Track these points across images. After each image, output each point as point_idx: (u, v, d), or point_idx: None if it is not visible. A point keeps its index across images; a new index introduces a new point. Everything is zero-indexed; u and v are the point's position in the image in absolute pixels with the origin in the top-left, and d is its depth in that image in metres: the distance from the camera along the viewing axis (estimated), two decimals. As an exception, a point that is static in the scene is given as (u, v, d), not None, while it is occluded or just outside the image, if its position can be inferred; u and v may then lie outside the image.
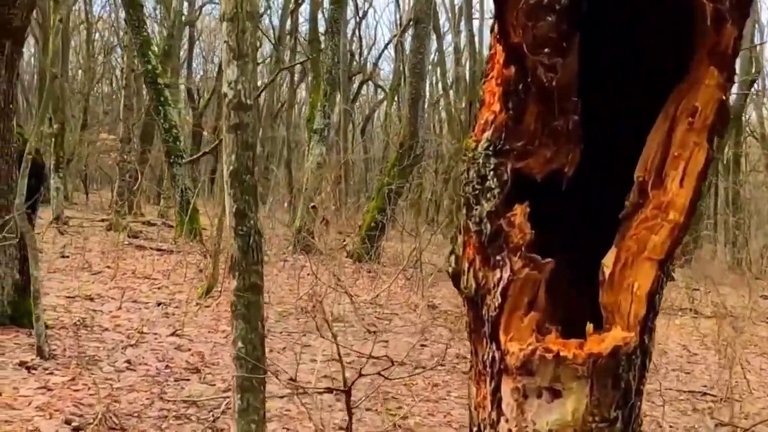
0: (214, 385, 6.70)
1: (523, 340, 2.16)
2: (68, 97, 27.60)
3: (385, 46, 42.32)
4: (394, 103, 38.27)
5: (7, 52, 7.07)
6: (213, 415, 6.04)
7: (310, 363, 7.85)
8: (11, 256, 7.36)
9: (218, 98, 37.86)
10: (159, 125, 17.94)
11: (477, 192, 2.26)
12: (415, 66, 17.72)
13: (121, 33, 23.79)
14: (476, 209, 2.26)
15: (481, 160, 2.27)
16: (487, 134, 2.28)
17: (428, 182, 30.73)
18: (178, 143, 17.85)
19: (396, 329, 10.35)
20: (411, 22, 34.30)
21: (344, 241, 17.60)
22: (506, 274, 2.20)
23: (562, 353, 2.12)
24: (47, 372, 6.34)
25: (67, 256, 13.71)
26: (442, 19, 34.96)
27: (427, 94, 31.09)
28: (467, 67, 33.35)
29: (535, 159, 2.22)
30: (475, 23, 32.19)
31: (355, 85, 37.83)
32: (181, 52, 39.15)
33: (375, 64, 41.65)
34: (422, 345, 9.50)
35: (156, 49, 18.35)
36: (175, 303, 10.16)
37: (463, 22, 32.45)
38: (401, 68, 37.85)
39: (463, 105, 32.03)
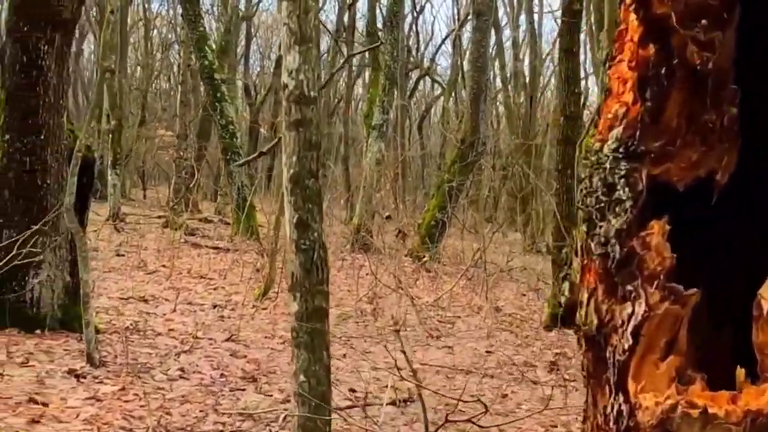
0: (271, 395, 6.31)
1: (660, 391, 1.71)
2: (126, 94, 27.57)
3: (443, 41, 41.71)
4: (452, 99, 37.75)
5: (57, 44, 6.78)
6: (270, 430, 5.68)
7: (371, 372, 7.46)
8: (62, 257, 7.08)
9: (275, 94, 37.74)
10: (215, 121, 17.68)
11: (602, 205, 1.79)
12: (477, 60, 17.20)
13: (179, 29, 23.64)
14: (601, 226, 1.79)
15: (608, 165, 1.78)
16: (616, 132, 1.79)
17: (486, 179, 30.18)
18: (234, 140, 17.59)
19: (459, 334, 9.90)
20: (470, 16, 33.76)
21: (402, 239, 17.15)
22: (640, 309, 1.73)
23: (710, 409, 1.66)
24: (97, 381, 6.02)
25: (123, 255, 13.49)
26: (501, 12, 34.29)
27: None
28: (526, 62, 32.75)
29: (677, 163, 1.75)
30: (535, 17, 31.47)
31: (412, 81, 37.35)
32: (238, 49, 39.06)
33: (432, 59, 41.09)
34: (488, 351, 9.04)
35: (213, 44, 18.08)
36: (231, 305, 9.83)
37: (522, 15, 31.80)
38: (459, 63, 37.33)
39: (522, 100, 31.43)
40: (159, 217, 22.42)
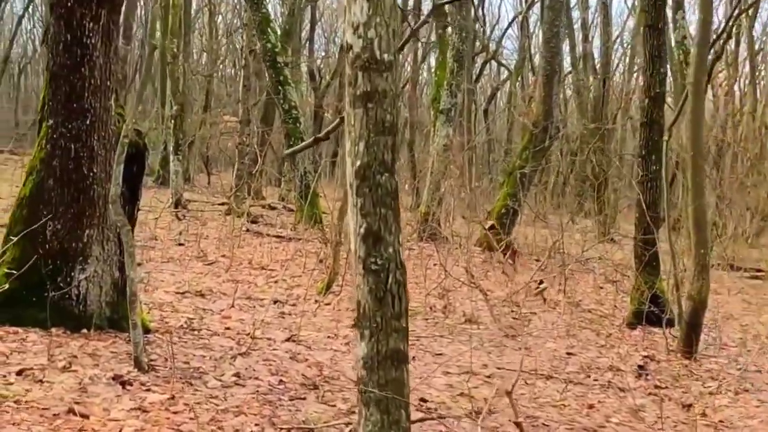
0: (334, 405, 5.73)
1: None
2: (189, 79, 27.26)
3: (510, 24, 40.75)
4: (518, 83, 36.89)
5: (103, 21, 6.26)
6: (333, 446, 5.11)
7: (443, 377, 6.85)
8: (110, 251, 6.57)
9: (340, 78, 37.27)
10: (278, 106, 17.17)
11: None
12: (550, 40, 16.39)
13: (243, 13, 23.15)
14: None
15: None
16: None
17: (554, 164, 29.30)
18: (298, 125, 17.04)
19: (536, 332, 9.22)
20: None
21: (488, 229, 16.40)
22: None
23: None
24: (144, 388, 5.49)
25: (183, 244, 13.07)
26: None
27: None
28: (596, 44, 31.76)
29: None
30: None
31: (478, 65, 36.49)
32: (303, 33, 38.62)
33: (498, 43, 40.14)
34: (568, 353, 8.36)
35: (276, 27, 17.53)
36: (292, 300, 9.30)
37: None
38: (526, 45, 36.39)
39: (590, 81, 30.43)
40: (222, 203, 22.06)
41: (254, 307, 8.63)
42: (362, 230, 2.95)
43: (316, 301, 9.18)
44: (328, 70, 42.14)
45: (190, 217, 17.41)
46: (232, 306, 8.43)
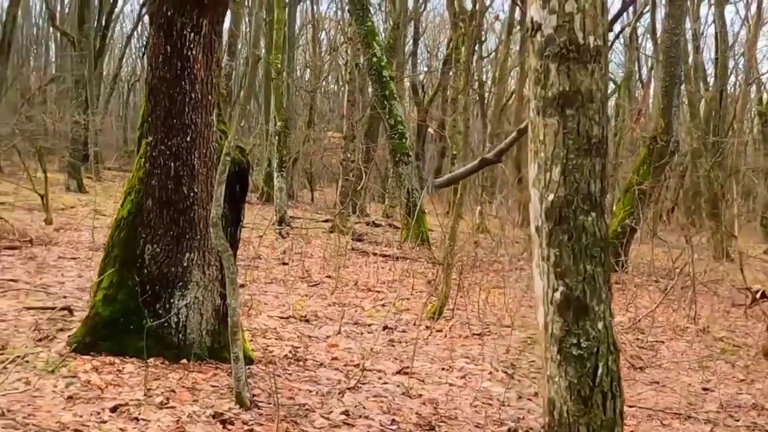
0: (453, 450, 5.18)
1: None
2: (293, 95, 27.16)
3: (617, 36, 39.46)
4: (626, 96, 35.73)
5: (204, 32, 5.86)
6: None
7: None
8: (211, 276, 6.16)
9: (443, 92, 36.77)
10: (384, 120, 16.74)
11: None
12: (670, 49, 15.51)
13: (347, 28, 22.81)
14: None
15: None
16: None
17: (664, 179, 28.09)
18: (404, 140, 16.58)
19: (666, 364, 8.45)
20: (647, 8, 31.70)
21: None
22: None
23: None
24: (246, 428, 5.03)
25: (287, 263, 12.70)
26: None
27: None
28: (707, 55, 30.51)
29: None
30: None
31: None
32: (406, 48, 38.32)
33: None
34: (705, 388, 7.58)
35: (380, 40, 17.13)
36: (402, 325, 8.76)
37: (708, 8, 29.58)
38: (633, 58, 35.23)
39: (704, 93, 29.16)
40: (327, 220, 21.77)
41: (362, 333, 8.13)
42: (557, 296, 2.20)
43: (427, 327, 8.62)
44: (431, 84, 41.74)
45: (294, 235, 17.11)
46: (339, 332, 7.95)
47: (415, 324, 8.74)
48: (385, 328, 8.38)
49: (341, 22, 41.09)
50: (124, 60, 52.36)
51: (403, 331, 8.40)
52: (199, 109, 5.94)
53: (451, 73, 33.47)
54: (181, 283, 6.05)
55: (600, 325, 2.18)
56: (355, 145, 20.30)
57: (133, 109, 60.22)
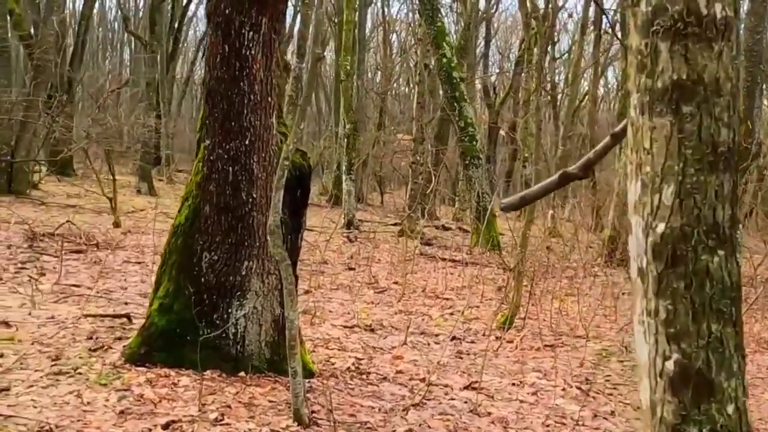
0: (524, 475, 4.82)
1: None
2: (363, 98, 26.98)
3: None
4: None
5: (263, 30, 5.61)
6: None
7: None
8: (270, 285, 5.91)
9: (515, 95, 36.23)
10: (454, 122, 16.38)
11: None
12: (752, 48, 14.83)
13: (418, 29, 22.46)
14: None
15: None
16: None
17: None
18: (474, 143, 16.20)
19: (749, 379, 7.94)
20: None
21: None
22: None
23: None
24: (304, 448, 4.76)
25: (354, 269, 12.45)
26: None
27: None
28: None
29: None
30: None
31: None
32: (477, 50, 37.86)
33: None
34: (794, 407, 7.07)
35: (451, 41, 16.77)
36: (471, 336, 8.41)
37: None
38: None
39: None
40: (396, 224, 21.50)
41: (428, 344, 7.81)
42: (670, 367, 1.55)
43: (497, 338, 8.26)
44: (503, 86, 41.22)
45: (362, 239, 16.86)
46: (405, 343, 7.63)
47: (484, 334, 8.39)
48: (453, 338, 8.05)
49: (412, 24, 40.87)
50: (196, 63, 52.88)
51: (472, 342, 8.06)
52: (258, 111, 5.69)
53: (523, 75, 32.91)
54: (239, 293, 5.81)
55: (730, 408, 1.71)
56: (424, 147, 19.98)
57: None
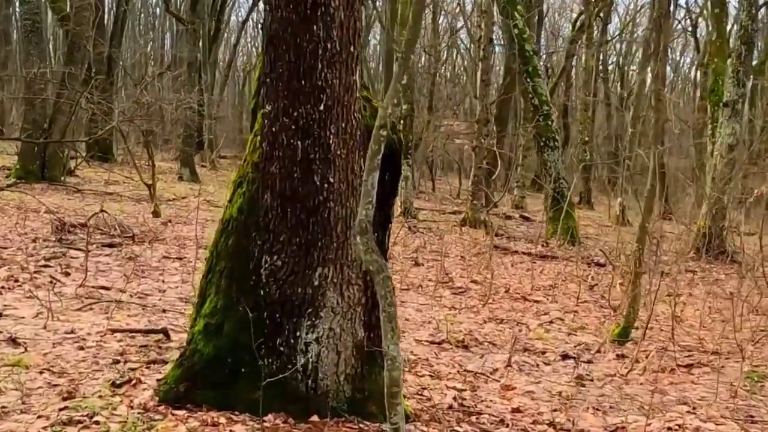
0: None
1: None
2: (415, 78, 25.43)
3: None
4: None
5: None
6: None
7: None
8: (351, 299, 4.41)
9: (567, 78, 34.63)
10: (528, 101, 14.78)
11: None
12: None
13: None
14: None
15: None
16: None
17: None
18: (550, 123, 14.57)
19: None
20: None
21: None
22: None
23: None
24: None
25: (422, 264, 10.96)
26: None
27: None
28: None
29: None
30: None
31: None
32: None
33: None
34: None
35: (522, 10, 15.14)
36: (584, 353, 6.85)
37: None
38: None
39: None
40: (454, 212, 19.98)
41: (537, 365, 6.27)
42: None
43: (618, 356, 6.70)
44: (553, 68, 39.48)
45: (423, 229, 15.35)
46: (509, 365, 6.10)
47: (599, 350, 6.85)
48: (564, 357, 6.51)
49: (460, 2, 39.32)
50: (238, 48, 51.69)
51: (589, 362, 6.50)
52: (336, 64, 4.19)
53: (583, 51, 31.21)
54: (310, 310, 4.32)
55: None
56: (489, 129, 18.39)
57: (249, 97, 59.75)
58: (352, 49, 4.25)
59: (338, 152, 4.28)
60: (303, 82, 4.17)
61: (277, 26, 4.17)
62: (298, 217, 4.28)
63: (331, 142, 4.24)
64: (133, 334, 5.78)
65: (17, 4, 30.13)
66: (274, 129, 4.26)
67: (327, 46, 4.15)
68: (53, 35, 35.47)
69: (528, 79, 14.46)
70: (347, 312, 4.41)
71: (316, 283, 4.32)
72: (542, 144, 14.41)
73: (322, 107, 4.19)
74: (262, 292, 4.32)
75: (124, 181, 18.40)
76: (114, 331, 5.78)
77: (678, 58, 52.26)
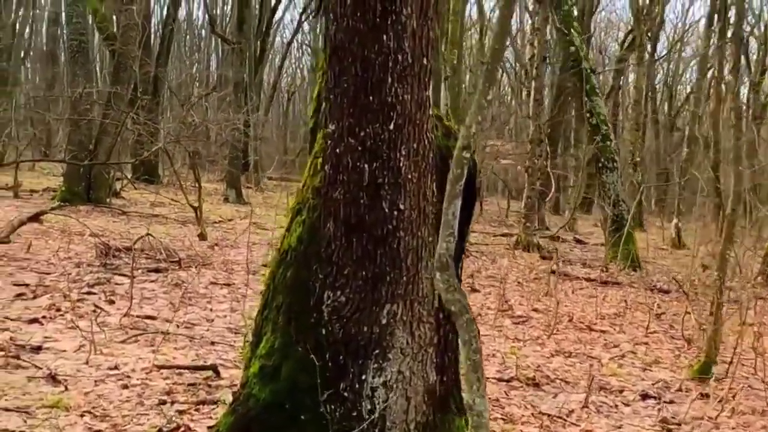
0: None
1: None
2: (463, 99, 25.00)
3: None
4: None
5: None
6: None
7: None
8: (423, 339, 3.97)
9: (615, 93, 33.96)
10: (585, 120, 14.28)
11: None
12: None
13: (534, 18, 20.18)
14: None
15: None
16: None
17: None
18: (608, 143, 14.05)
19: None
20: None
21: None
22: None
23: None
24: None
25: (478, 290, 10.48)
26: None
27: None
28: None
29: None
30: None
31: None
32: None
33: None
34: None
35: (579, 27, 14.64)
36: (664, 391, 6.33)
37: None
38: None
39: None
40: (504, 234, 19.45)
41: (616, 406, 5.76)
42: None
43: (701, 396, 6.16)
44: (601, 90, 38.85)
45: (476, 253, 14.86)
46: (585, 405, 5.61)
47: (680, 389, 6.32)
48: (644, 396, 6.00)
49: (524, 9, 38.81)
50: (283, 69, 51.72)
51: (671, 402, 5.98)
52: (408, 78, 3.77)
53: (630, 70, 30.68)
54: (377, 351, 3.88)
55: None
56: (542, 149, 17.89)
57: (293, 118, 60.04)
58: (425, 61, 3.82)
59: (409, 176, 3.85)
60: (371, 98, 3.75)
61: (342, 37, 3.76)
62: (364, 247, 3.85)
63: (401, 164, 3.82)
64: (181, 370, 5.39)
65: (64, 24, 30.28)
66: (338, 150, 3.84)
67: (398, 58, 3.73)
68: (99, 55, 35.60)
69: (585, 98, 13.97)
70: (418, 353, 3.97)
71: (383, 321, 3.89)
72: (601, 165, 13.89)
73: (391, 126, 3.77)
74: (324, 331, 3.89)
75: (170, 203, 18.15)
76: (160, 367, 5.39)
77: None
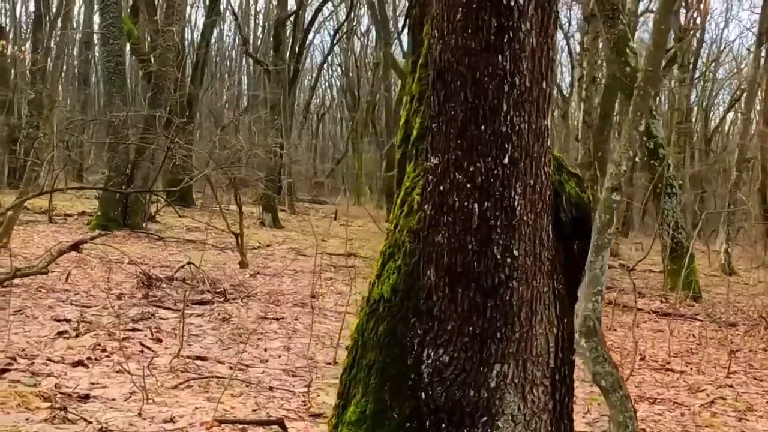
0: None
1: None
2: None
3: None
4: None
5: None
6: None
7: None
8: (537, 405, 3.44)
9: (677, 114, 33.30)
10: (642, 144, 13.69)
11: None
12: None
13: (583, 37, 19.61)
14: None
15: None
16: None
17: None
18: (667, 167, 13.46)
19: None
20: None
21: None
22: None
23: None
24: None
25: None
26: None
27: None
28: None
29: None
30: None
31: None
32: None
33: None
34: None
35: (635, 47, 14.09)
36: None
37: None
38: None
39: None
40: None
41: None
42: None
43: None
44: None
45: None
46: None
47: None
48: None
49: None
50: (315, 91, 51.64)
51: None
52: (525, 105, 3.26)
53: (665, 91, 30.07)
54: (485, 418, 3.36)
55: None
56: (592, 174, 17.33)
57: (323, 139, 59.82)
58: (544, 85, 3.32)
59: (524, 217, 3.33)
60: (483, 127, 3.24)
61: (450, 57, 3.26)
62: (471, 299, 3.33)
63: (516, 204, 3.30)
64: (243, 425, 4.88)
65: (96, 47, 30.11)
66: (441, 188, 3.33)
67: (514, 82, 3.22)
68: (132, 78, 35.52)
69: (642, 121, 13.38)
70: (530, 420, 3.44)
71: (492, 383, 3.36)
72: (659, 191, 13.31)
73: (506, 160, 3.26)
74: (423, 395, 3.38)
75: (206, 227, 17.75)
76: (221, 422, 4.88)
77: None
